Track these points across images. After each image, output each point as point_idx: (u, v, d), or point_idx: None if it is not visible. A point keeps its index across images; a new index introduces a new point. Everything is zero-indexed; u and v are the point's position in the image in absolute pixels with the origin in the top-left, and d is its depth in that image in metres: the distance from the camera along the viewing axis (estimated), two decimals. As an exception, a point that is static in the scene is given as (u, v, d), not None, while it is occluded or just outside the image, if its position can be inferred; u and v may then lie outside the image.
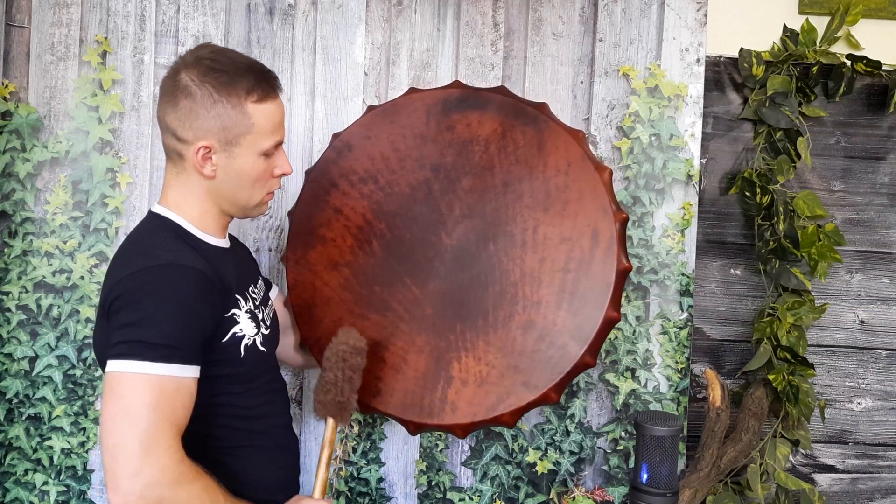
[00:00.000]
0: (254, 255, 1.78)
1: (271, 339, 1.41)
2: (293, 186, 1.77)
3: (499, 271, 1.46)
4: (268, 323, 1.40)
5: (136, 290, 1.19)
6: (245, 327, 1.31)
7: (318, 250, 1.55)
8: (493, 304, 1.46)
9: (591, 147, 1.78)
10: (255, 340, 1.32)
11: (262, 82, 1.30)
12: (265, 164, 1.33)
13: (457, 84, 1.59)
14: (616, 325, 1.77)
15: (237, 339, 1.29)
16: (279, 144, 1.35)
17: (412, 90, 1.60)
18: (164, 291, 1.19)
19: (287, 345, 1.57)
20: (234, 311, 1.29)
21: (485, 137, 1.51)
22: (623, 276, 1.44)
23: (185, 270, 1.22)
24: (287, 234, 1.60)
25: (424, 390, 1.46)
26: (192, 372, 1.19)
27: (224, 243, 1.39)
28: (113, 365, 1.15)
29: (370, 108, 1.61)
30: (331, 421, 1.41)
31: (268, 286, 1.55)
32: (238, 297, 1.32)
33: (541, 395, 1.42)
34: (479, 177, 1.51)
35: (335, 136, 1.59)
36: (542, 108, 1.53)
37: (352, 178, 1.56)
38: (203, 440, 1.27)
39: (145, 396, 1.13)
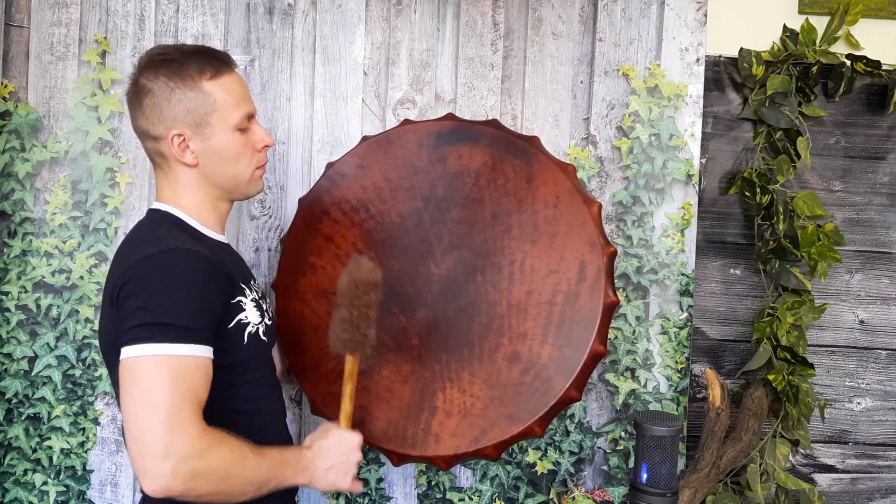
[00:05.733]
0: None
1: (272, 332, 1.41)
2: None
3: (485, 303, 1.45)
4: (270, 314, 1.41)
5: (145, 275, 1.19)
6: (250, 315, 1.31)
7: (308, 278, 1.55)
8: (479, 335, 1.45)
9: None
10: (258, 329, 1.33)
11: (213, 59, 1.32)
12: (242, 139, 1.34)
13: (450, 116, 1.59)
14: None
15: (242, 326, 1.30)
16: (251, 117, 1.36)
17: (406, 122, 1.60)
18: (173, 274, 1.20)
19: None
20: (240, 298, 1.30)
21: (475, 169, 1.51)
22: (610, 310, 1.42)
23: (192, 255, 1.23)
24: (279, 261, 1.59)
25: (408, 421, 1.45)
26: (207, 352, 1.20)
27: (223, 239, 1.40)
28: (128, 351, 1.15)
29: (364, 139, 1.60)
30: (350, 357, 1.39)
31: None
32: (243, 285, 1.33)
33: (525, 428, 1.40)
34: (468, 208, 1.50)
35: (329, 165, 1.59)
36: (532, 141, 1.52)
37: (343, 206, 1.55)
38: None
39: (164, 378, 1.13)
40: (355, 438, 1.37)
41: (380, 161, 1.56)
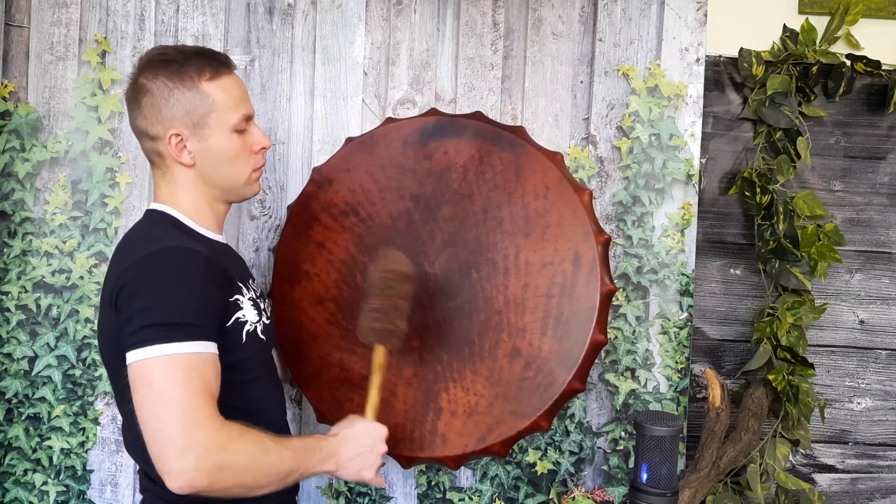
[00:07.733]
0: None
1: (271, 331, 1.41)
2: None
3: (483, 299, 1.45)
4: (268, 313, 1.41)
5: (144, 275, 1.20)
6: (248, 313, 1.31)
7: (303, 286, 1.54)
8: (478, 332, 1.44)
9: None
10: (256, 328, 1.33)
11: (211, 60, 1.33)
12: (240, 140, 1.34)
13: (433, 112, 1.58)
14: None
15: (240, 325, 1.30)
16: (249, 119, 1.36)
17: (389, 120, 1.59)
18: (172, 273, 1.20)
19: None
20: (237, 296, 1.30)
21: (462, 164, 1.50)
22: (607, 298, 1.42)
23: (190, 253, 1.23)
24: (272, 271, 1.58)
25: (415, 423, 1.45)
26: (213, 349, 1.20)
27: (221, 238, 1.40)
28: (136, 354, 1.15)
29: (348, 140, 1.59)
30: (380, 347, 1.39)
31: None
32: (240, 284, 1.33)
33: (531, 423, 1.41)
34: (458, 205, 1.49)
35: (315, 169, 1.59)
36: (518, 131, 1.51)
37: (333, 211, 1.54)
38: None
39: (175, 377, 1.13)
40: (382, 430, 1.36)
41: (366, 162, 1.54)
